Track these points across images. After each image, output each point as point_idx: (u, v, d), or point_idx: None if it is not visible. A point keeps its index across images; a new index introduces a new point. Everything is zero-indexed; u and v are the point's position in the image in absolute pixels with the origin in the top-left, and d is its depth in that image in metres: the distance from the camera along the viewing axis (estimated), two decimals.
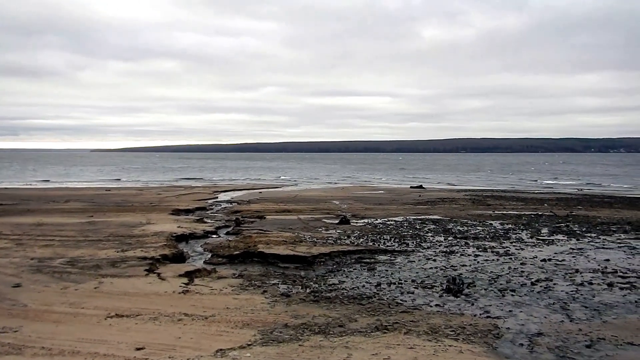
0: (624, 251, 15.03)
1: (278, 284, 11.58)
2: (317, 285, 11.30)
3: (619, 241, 16.83)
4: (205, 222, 22.49)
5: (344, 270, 12.90)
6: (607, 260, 13.65)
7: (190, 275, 12.22)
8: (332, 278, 12.06)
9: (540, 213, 25.53)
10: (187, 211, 27.06)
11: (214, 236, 19.15)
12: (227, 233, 19.75)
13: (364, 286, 11.15)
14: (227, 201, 33.81)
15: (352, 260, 14.19)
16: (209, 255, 15.34)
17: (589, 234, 18.33)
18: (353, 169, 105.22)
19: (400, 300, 9.93)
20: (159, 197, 34.10)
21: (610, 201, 34.73)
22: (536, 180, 62.82)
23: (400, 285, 11.11)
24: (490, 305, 9.43)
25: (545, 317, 8.71)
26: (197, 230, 19.65)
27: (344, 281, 11.69)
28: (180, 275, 12.01)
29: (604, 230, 19.23)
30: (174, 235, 17.88)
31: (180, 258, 14.69)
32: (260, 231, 19.33)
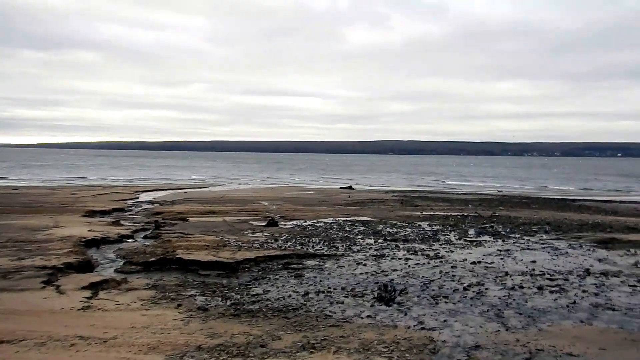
0: (548, 252, 15.13)
1: (195, 295, 10.51)
2: (239, 296, 10.34)
3: (541, 242, 17.02)
4: (122, 225, 20.85)
5: (270, 278, 12.02)
6: (534, 261, 13.60)
7: (96, 287, 10.87)
8: (256, 287, 11.14)
9: (465, 214, 25.81)
10: (103, 213, 25.13)
11: (130, 240, 17.65)
12: (145, 237, 18.31)
13: (290, 296, 10.31)
14: (149, 202, 31.99)
15: (279, 266, 13.35)
16: (122, 263, 13.96)
17: (513, 235, 18.49)
18: (275, 169, 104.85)
19: (330, 311, 9.16)
20: (73, 197, 31.70)
21: (527, 202, 36.05)
22: (444, 182, 66.99)
23: (329, 294, 10.37)
24: (424, 315, 8.86)
25: (481, 327, 8.22)
26: (111, 234, 18.05)
27: (269, 290, 10.80)
28: (83, 288, 10.63)
29: (527, 231, 19.50)
30: (84, 240, 16.25)
31: (87, 267, 13.19)
32: (182, 235, 18.08)
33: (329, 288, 10.85)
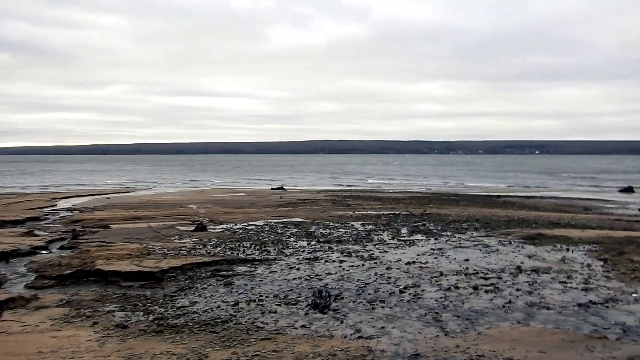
0: (480, 249, 15.26)
1: (114, 310, 9.62)
2: (163, 310, 9.55)
3: (472, 239, 17.20)
4: (36, 235, 19.22)
5: (197, 287, 11.27)
6: (467, 260, 13.62)
7: (0, 306, 9.73)
8: (182, 298, 10.37)
9: (397, 212, 25.92)
10: (16, 222, 23.18)
11: (44, 252, 16.23)
12: (61, 247, 16.93)
13: (219, 307, 9.63)
14: (68, 209, 30.04)
15: (208, 274, 12.62)
16: (33, 277, 12.71)
17: (444, 233, 18.62)
18: (204, 170, 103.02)
19: (261, 323, 8.57)
20: None
21: (456, 199, 36.94)
22: (367, 180, 70.85)
23: (261, 303, 9.78)
24: (361, 322, 8.46)
25: (419, 333, 7.90)
26: (22, 245, 16.53)
27: (196, 302, 10.07)
28: None
29: (458, 229, 19.73)
30: None
31: None
32: (102, 243, 16.90)
33: (261, 296, 10.27)
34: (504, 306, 9.21)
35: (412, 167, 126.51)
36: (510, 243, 16.32)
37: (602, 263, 13.05)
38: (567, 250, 15.04)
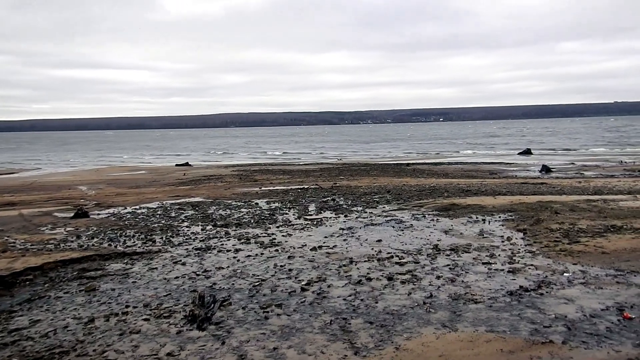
0: (392, 226, 13.85)
1: None
2: None
3: (385, 214, 15.84)
4: None
5: (50, 296, 8.87)
6: (380, 241, 12.10)
7: None
8: (22, 315, 7.94)
9: (306, 186, 24.39)
10: None
11: None
12: None
13: (66, 327, 7.32)
14: None
15: (74, 275, 10.25)
16: None
17: (355, 208, 17.17)
18: (105, 147, 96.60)
19: (115, 352, 6.37)
20: None
21: (366, 169, 36.18)
22: (266, 152, 72.53)
23: (124, 318, 7.57)
24: (249, 341, 6.47)
25: (322, 353, 6.03)
26: None
27: (39, 320, 7.68)
28: None
29: (369, 202, 18.38)
30: None
31: None
32: None
33: (127, 306, 8.06)
34: (424, 302, 7.58)
35: (325, 138, 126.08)
36: (425, 217, 15.06)
37: (522, 235, 12.03)
38: (484, 221, 13.98)
